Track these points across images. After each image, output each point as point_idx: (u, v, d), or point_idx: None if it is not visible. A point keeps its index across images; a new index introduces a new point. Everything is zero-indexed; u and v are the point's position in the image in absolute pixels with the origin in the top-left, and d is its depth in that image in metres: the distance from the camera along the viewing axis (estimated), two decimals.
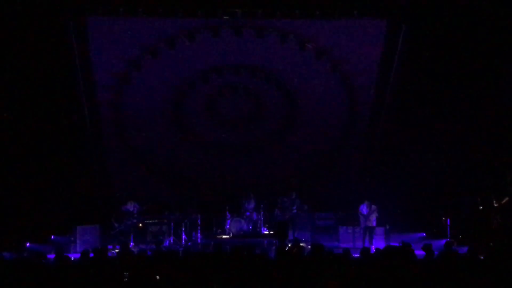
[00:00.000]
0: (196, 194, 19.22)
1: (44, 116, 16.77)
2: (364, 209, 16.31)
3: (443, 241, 13.60)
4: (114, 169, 19.11)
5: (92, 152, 18.48)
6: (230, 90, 18.45)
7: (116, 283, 8.42)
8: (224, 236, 17.20)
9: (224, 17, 16.11)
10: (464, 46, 15.73)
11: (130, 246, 15.44)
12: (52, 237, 16.93)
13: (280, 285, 8.18)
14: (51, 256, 11.00)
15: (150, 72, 17.54)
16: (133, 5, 15.49)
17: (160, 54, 17.11)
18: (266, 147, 19.22)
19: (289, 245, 14.37)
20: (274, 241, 15.98)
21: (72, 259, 10.03)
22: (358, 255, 10.38)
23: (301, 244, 12.80)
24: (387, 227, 16.68)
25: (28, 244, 15.74)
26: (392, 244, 14.93)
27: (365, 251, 10.12)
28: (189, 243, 16.79)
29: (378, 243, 15.67)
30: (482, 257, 9.70)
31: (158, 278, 8.50)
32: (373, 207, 16.25)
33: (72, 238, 16.26)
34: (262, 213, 17.50)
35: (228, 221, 17.40)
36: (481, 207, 15.96)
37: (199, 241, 16.95)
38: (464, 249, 11.27)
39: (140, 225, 16.84)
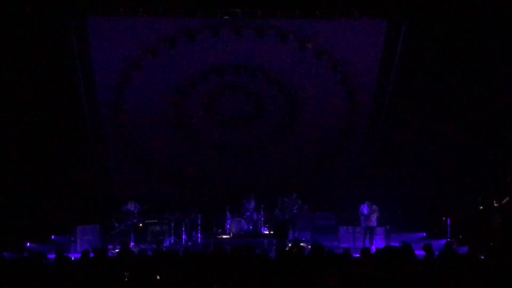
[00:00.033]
0: (196, 194, 19.22)
1: (44, 116, 16.77)
2: (365, 209, 16.32)
3: (443, 241, 13.62)
4: (114, 169, 19.11)
5: (92, 152, 18.49)
6: (230, 90, 18.45)
7: (116, 283, 8.42)
8: (224, 236, 17.19)
9: (224, 17, 16.11)
10: (464, 46, 15.74)
11: (131, 246, 15.45)
12: (53, 237, 16.94)
13: (280, 285, 8.18)
14: (52, 256, 11.01)
15: (150, 72, 17.54)
16: (133, 5, 15.50)
17: (160, 54, 17.11)
18: (266, 147, 19.21)
19: (289, 245, 14.39)
20: (274, 241, 15.99)
21: (73, 259, 10.04)
22: (358, 255, 10.38)
23: (301, 244, 12.80)
24: (387, 227, 16.69)
25: (28, 244, 15.75)
26: (393, 244, 14.97)
27: (365, 251, 10.13)
28: (189, 243, 16.80)
29: (378, 243, 15.69)
30: (482, 257, 9.71)
31: (158, 278, 8.50)
32: (374, 207, 16.26)
33: (73, 238, 16.28)
34: (262, 213, 17.49)
35: (229, 221, 17.40)
36: (481, 207, 15.97)
37: (199, 241, 16.96)
38: (464, 249, 11.28)
39: (141, 225, 16.84)
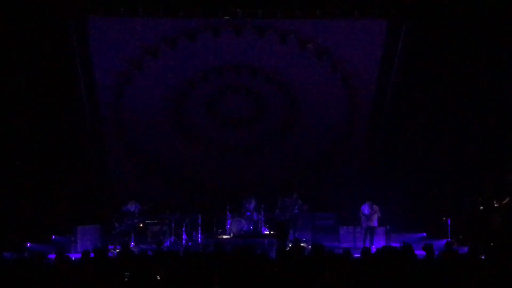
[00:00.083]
0: (196, 194, 19.22)
1: (44, 116, 16.78)
2: (365, 209, 16.31)
3: (444, 241, 13.61)
4: (114, 169, 19.11)
5: (93, 152, 18.48)
6: (231, 90, 18.45)
7: (116, 283, 8.43)
8: (224, 236, 17.19)
9: (225, 17, 16.11)
10: (464, 46, 15.74)
11: (131, 246, 15.46)
12: (53, 237, 16.92)
13: (281, 285, 8.18)
14: (52, 256, 11.00)
15: (151, 72, 17.55)
16: (133, 5, 15.50)
17: (161, 54, 17.12)
18: (266, 147, 19.21)
19: (290, 245, 14.39)
20: (274, 241, 15.98)
21: (73, 259, 10.04)
22: (358, 255, 10.38)
23: (302, 244, 12.80)
24: (388, 227, 16.69)
25: (29, 244, 15.75)
26: (393, 244, 14.98)
27: (365, 251, 10.12)
28: (189, 243, 16.80)
29: (378, 243, 15.67)
30: (482, 257, 9.71)
31: (158, 278, 8.51)
32: (375, 207, 16.26)
33: (73, 238, 16.28)
34: (262, 213, 17.49)
35: (229, 221, 17.39)
36: (482, 207, 15.96)
37: (199, 241, 16.96)
38: (465, 249, 11.28)
39: (141, 225, 16.84)
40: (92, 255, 10.00)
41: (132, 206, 16.79)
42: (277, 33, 16.76)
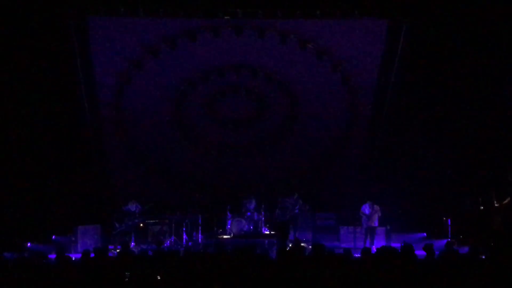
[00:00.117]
0: (197, 194, 19.22)
1: (45, 116, 16.78)
2: (366, 209, 16.31)
3: (444, 241, 13.60)
4: (115, 169, 19.12)
5: (93, 152, 18.48)
6: (231, 90, 18.45)
7: (117, 283, 8.43)
8: (225, 236, 17.19)
9: (225, 17, 16.10)
10: (465, 46, 15.73)
11: (131, 246, 15.46)
12: (53, 237, 16.94)
13: (281, 285, 8.18)
14: (52, 256, 11.01)
15: (151, 72, 17.55)
16: (134, 5, 15.50)
17: (161, 54, 17.12)
18: (267, 147, 19.20)
19: (290, 245, 14.38)
20: (275, 241, 15.98)
21: (73, 259, 10.04)
22: (359, 255, 10.38)
23: (302, 244, 12.80)
24: (388, 227, 16.69)
25: (29, 244, 15.76)
26: (393, 244, 14.98)
27: (366, 251, 10.12)
28: (190, 243, 16.81)
29: (379, 244, 15.66)
30: (483, 257, 9.70)
31: (159, 278, 8.51)
32: (376, 207, 16.26)
33: (73, 238, 16.29)
34: (263, 213, 17.49)
35: (229, 221, 17.39)
36: (482, 207, 15.96)
37: (200, 241, 16.97)
38: (465, 249, 11.29)
39: (141, 225, 16.84)
40: (92, 255, 10.00)
41: (132, 206, 16.79)
42: (277, 33, 16.76)
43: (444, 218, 16.65)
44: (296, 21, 16.33)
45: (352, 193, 18.34)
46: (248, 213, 17.55)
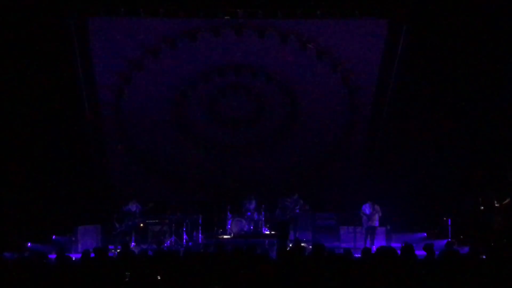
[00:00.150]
0: (197, 194, 19.23)
1: (45, 116, 16.79)
2: (367, 209, 16.30)
3: (444, 241, 13.60)
4: (115, 169, 19.12)
5: (93, 152, 18.49)
6: (231, 90, 18.45)
7: (117, 283, 8.43)
8: (225, 236, 17.19)
9: (225, 18, 16.12)
10: (465, 46, 15.73)
11: (132, 246, 15.45)
12: (54, 237, 16.93)
13: (281, 285, 8.18)
14: (53, 256, 11.01)
15: (151, 72, 17.55)
16: (134, 5, 15.51)
17: (161, 54, 17.13)
18: (267, 147, 19.21)
19: (290, 245, 14.38)
20: (275, 241, 15.98)
21: (73, 259, 10.03)
22: (359, 255, 10.37)
23: (302, 244, 12.79)
24: (388, 227, 16.68)
25: (29, 244, 15.74)
26: (394, 244, 14.97)
27: (366, 251, 10.11)
28: (190, 243, 16.81)
29: (379, 244, 15.66)
30: (483, 257, 9.70)
31: (159, 278, 8.51)
32: (376, 207, 16.25)
33: (74, 238, 16.29)
34: (263, 213, 17.50)
35: (229, 221, 17.39)
36: (482, 207, 15.95)
37: (200, 241, 16.97)
38: (465, 249, 11.28)
39: (141, 225, 16.84)
40: (92, 255, 10.00)
41: (133, 206, 16.79)
42: (277, 33, 16.76)
43: (445, 218, 16.64)
44: (296, 21, 16.34)
45: (352, 193, 18.34)
46: (248, 213, 17.55)
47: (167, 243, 16.41)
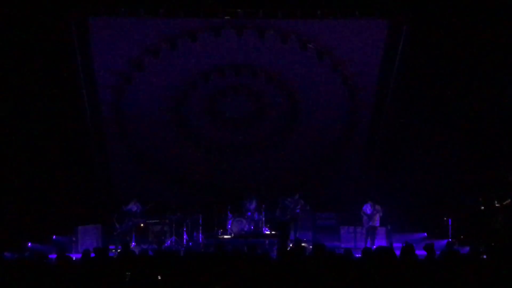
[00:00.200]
0: (197, 194, 19.23)
1: (46, 116, 16.79)
2: (367, 209, 16.31)
3: (445, 241, 13.62)
4: (115, 169, 19.13)
5: (94, 152, 18.49)
6: (231, 90, 18.45)
7: (117, 283, 8.43)
8: (225, 236, 17.20)
9: (226, 17, 16.10)
10: (465, 47, 15.72)
11: (132, 246, 15.46)
12: (54, 237, 16.96)
13: (282, 285, 8.18)
14: (53, 256, 11.00)
15: (152, 72, 17.55)
16: (134, 5, 15.50)
17: (162, 54, 17.11)
18: (267, 147, 19.21)
19: (291, 245, 14.39)
20: (275, 241, 15.98)
21: (74, 259, 10.04)
22: (359, 255, 10.38)
23: (303, 244, 12.80)
24: (389, 227, 16.69)
25: (29, 244, 15.77)
26: (395, 244, 14.97)
27: (366, 251, 10.11)
28: (190, 243, 16.81)
29: (379, 244, 15.66)
30: (483, 257, 9.70)
31: (159, 278, 8.51)
32: (377, 207, 16.25)
33: (74, 238, 16.28)
34: (263, 213, 17.50)
35: (230, 221, 17.41)
36: (483, 207, 15.95)
37: (200, 241, 16.98)
38: (466, 249, 11.28)
39: (142, 225, 16.85)
40: (92, 255, 10.00)
41: (133, 206, 16.79)
42: (277, 33, 16.74)
43: (445, 218, 16.64)
44: (296, 21, 16.32)
45: (352, 193, 18.34)
46: (249, 213, 17.56)
47: (168, 243, 16.42)
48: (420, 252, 9.83)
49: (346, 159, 19.20)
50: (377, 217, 16.23)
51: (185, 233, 16.80)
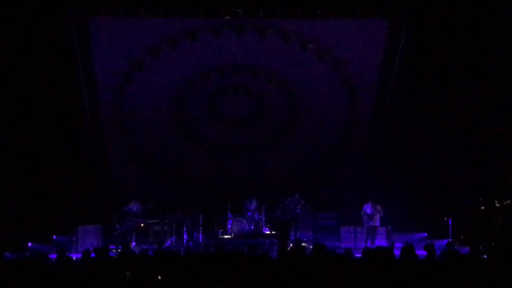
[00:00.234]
0: (198, 194, 19.23)
1: (46, 116, 16.79)
2: (368, 209, 16.30)
3: (445, 241, 13.61)
4: (116, 169, 19.12)
5: (94, 152, 18.49)
6: (232, 90, 18.45)
7: (117, 283, 8.43)
8: (226, 236, 17.19)
9: (226, 17, 16.10)
10: (465, 47, 15.73)
11: (132, 246, 15.46)
12: (54, 237, 16.95)
13: (282, 285, 8.19)
14: (53, 256, 11.02)
15: (152, 72, 17.54)
16: (134, 5, 15.50)
17: (162, 54, 17.11)
18: (268, 147, 19.21)
19: (291, 245, 14.39)
20: (275, 241, 15.98)
21: (74, 259, 10.04)
22: (359, 255, 10.38)
23: (303, 244, 12.80)
24: (389, 227, 16.69)
25: (30, 244, 15.76)
26: (395, 244, 14.97)
27: (367, 251, 10.12)
28: (190, 243, 16.81)
29: (380, 243, 15.65)
30: (484, 257, 9.70)
31: (159, 278, 8.51)
32: (378, 207, 16.25)
33: (74, 238, 16.28)
34: (263, 213, 17.50)
35: (230, 221, 17.39)
36: (483, 208, 15.96)
37: (200, 241, 16.97)
38: (466, 249, 11.27)
39: (142, 225, 16.84)
40: (93, 255, 10.01)
41: (133, 206, 16.78)
42: (278, 33, 16.74)
43: (445, 218, 16.65)
44: (296, 21, 16.31)
45: (353, 193, 18.33)
46: (249, 213, 17.55)
47: (168, 243, 16.42)
48: (420, 252, 9.84)
49: (346, 159, 19.20)
50: (377, 217, 16.22)
51: (185, 233, 16.81)
